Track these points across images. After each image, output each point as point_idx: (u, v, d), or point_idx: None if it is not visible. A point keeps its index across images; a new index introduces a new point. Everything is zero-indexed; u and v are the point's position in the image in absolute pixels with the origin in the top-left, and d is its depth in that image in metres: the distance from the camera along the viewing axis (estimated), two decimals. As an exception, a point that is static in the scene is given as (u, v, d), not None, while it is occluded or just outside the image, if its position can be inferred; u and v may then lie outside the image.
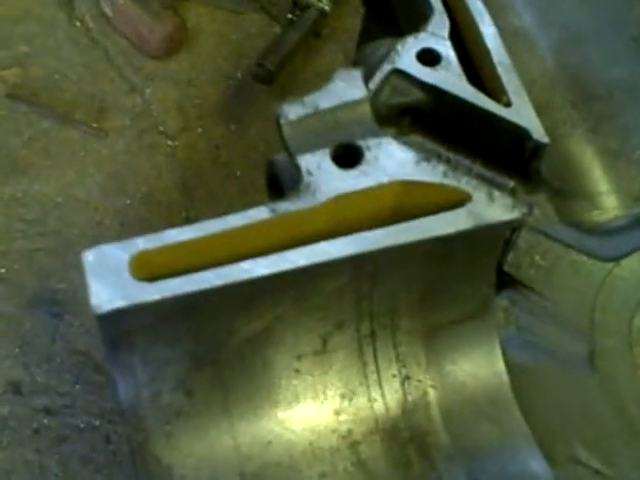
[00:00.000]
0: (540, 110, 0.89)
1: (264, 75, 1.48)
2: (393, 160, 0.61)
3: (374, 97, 0.75)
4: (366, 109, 0.64)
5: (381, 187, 0.60)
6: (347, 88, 0.64)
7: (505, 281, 0.77)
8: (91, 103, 1.49)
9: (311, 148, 0.62)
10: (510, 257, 0.77)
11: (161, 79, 1.54)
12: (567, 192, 0.83)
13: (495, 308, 0.74)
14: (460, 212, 0.59)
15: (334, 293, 0.64)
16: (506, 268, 0.77)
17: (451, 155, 0.79)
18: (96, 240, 1.34)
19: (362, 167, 0.61)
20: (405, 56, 0.77)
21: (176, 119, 1.51)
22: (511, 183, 0.80)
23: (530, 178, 0.79)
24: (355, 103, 0.63)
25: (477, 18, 0.80)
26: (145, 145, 1.49)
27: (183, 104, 1.53)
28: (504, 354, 0.71)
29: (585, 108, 0.89)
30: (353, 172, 0.60)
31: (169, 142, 1.48)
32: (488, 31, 0.80)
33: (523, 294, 0.76)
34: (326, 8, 1.53)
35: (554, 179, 0.84)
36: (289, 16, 1.57)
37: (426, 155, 0.62)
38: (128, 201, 1.43)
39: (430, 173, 0.61)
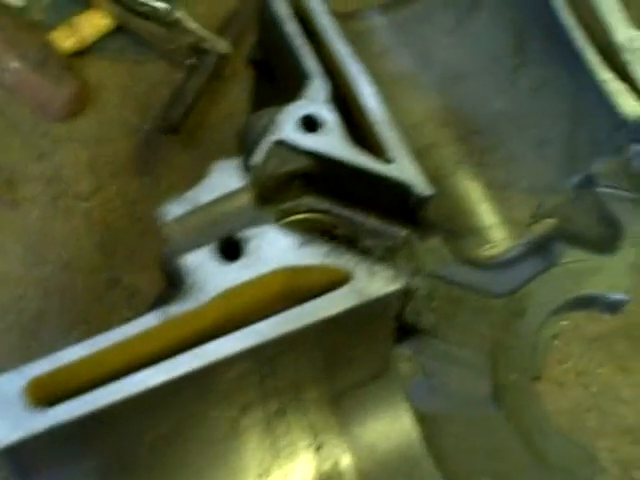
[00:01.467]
0: (428, 151, 0.93)
1: (169, 127, 1.48)
2: (275, 248, 0.63)
3: (260, 170, 0.77)
4: (246, 198, 0.65)
5: (265, 276, 0.62)
6: (225, 179, 0.65)
7: (407, 330, 0.80)
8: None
9: (194, 245, 0.63)
10: (409, 306, 0.80)
11: (69, 141, 1.53)
12: (459, 231, 0.86)
13: (400, 361, 0.77)
14: (344, 291, 0.61)
15: (236, 379, 0.65)
16: (406, 318, 0.79)
17: (345, 214, 0.82)
18: (20, 314, 1.36)
19: (244, 259, 0.62)
20: (286, 125, 0.79)
21: (89, 180, 1.50)
22: (404, 232, 0.83)
23: (421, 225, 0.82)
24: (234, 194, 0.65)
25: (354, 79, 0.82)
26: (60, 210, 1.48)
27: (94, 164, 1.52)
28: (412, 406, 0.74)
29: (470, 143, 0.93)
30: (236, 265, 0.62)
31: (84, 204, 1.47)
32: (365, 91, 0.82)
33: (426, 341, 0.79)
34: (225, 51, 1.54)
35: (445, 220, 0.87)
36: (189, 62, 1.58)
37: (307, 238, 0.64)
38: (49, 269, 1.42)
39: (312, 256, 0.63)
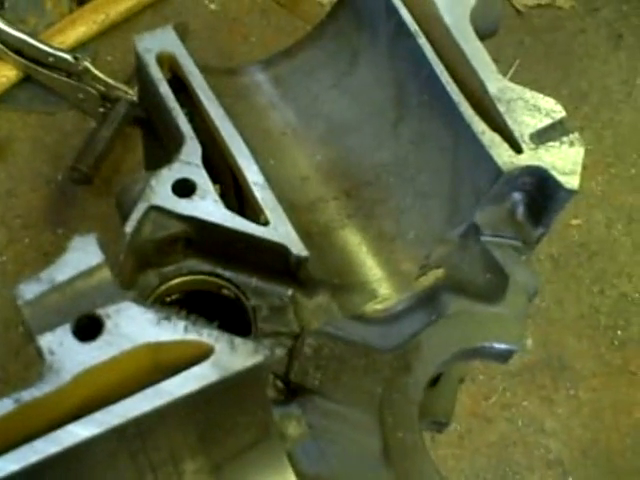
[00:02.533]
0: (317, 205, 0.93)
1: (81, 177, 1.46)
2: (134, 324, 0.61)
3: (135, 236, 0.76)
4: (105, 274, 0.64)
5: (127, 354, 0.61)
6: (82, 256, 0.64)
7: (294, 390, 0.79)
8: None
9: (53, 325, 0.62)
10: (295, 366, 0.79)
11: (-21, 195, 1.51)
12: (347, 286, 0.86)
13: (288, 422, 0.76)
14: (205, 365, 0.60)
15: (105, 459, 0.64)
16: (292, 377, 0.79)
17: (228, 275, 0.81)
18: None
19: (104, 337, 0.61)
20: (161, 190, 0.78)
21: (1, 233, 1.48)
22: (289, 291, 0.83)
23: (305, 284, 0.82)
24: (92, 270, 0.64)
25: (228, 140, 0.82)
26: (-28, 266, 1.45)
27: (6, 216, 1.50)
28: (298, 470, 0.73)
29: (358, 196, 0.93)
30: (96, 344, 0.61)
31: (-5, 259, 1.45)
32: (241, 152, 0.82)
33: (313, 400, 0.78)
34: (135, 98, 1.53)
35: (334, 275, 0.87)
36: (101, 110, 1.57)
37: (167, 313, 0.63)
38: (-38, 329, 1.39)
39: (172, 331, 0.62)
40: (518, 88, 0.87)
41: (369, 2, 0.93)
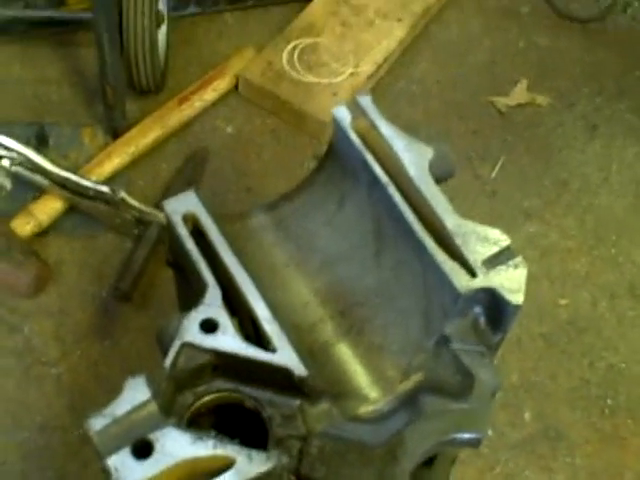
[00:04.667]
0: (316, 326, 1.13)
1: (122, 295, 1.70)
2: (176, 445, 0.82)
3: (173, 368, 0.97)
4: (152, 407, 0.85)
5: (171, 468, 0.81)
6: (135, 394, 0.85)
7: (305, 482, 0.98)
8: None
9: (116, 448, 0.82)
10: (305, 462, 0.99)
11: (36, 314, 1.74)
12: (344, 393, 1.06)
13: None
14: (229, 474, 0.80)
15: None
16: (302, 472, 0.98)
17: (247, 391, 1.01)
18: (4, 478, 1.52)
19: (155, 456, 0.81)
20: (191, 328, 0.99)
21: (56, 347, 1.70)
22: (297, 402, 1.02)
23: (309, 395, 1.02)
24: (142, 404, 0.84)
25: (242, 286, 1.03)
26: (32, 378, 1.67)
27: (60, 332, 1.73)
28: None
29: (351, 315, 1.13)
30: (148, 462, 0.81)
31: (53, 370, 1.67)
32: (251, 293, 1.03)
33: (320, 490, 0.97)
34: (165, 222, 1.76)
35: (333, 384, 1.07)
36: (136, 232, 1.81)
37: (200, 434, 0.83)
38: (26, 434, 1.60)
39: (204, 448, 0.82)
40: (471, 223, 1.07)
41: (349, 157, 1.15)
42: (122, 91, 1.87)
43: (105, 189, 1.75)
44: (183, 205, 1.11)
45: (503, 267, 1.05)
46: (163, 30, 2.04)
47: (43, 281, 1.73)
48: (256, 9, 2.26)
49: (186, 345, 0.98)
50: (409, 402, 1.05)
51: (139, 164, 1.95)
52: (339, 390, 1.06)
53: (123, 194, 1.76)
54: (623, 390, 1.76)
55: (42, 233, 1.80)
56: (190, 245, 1.07)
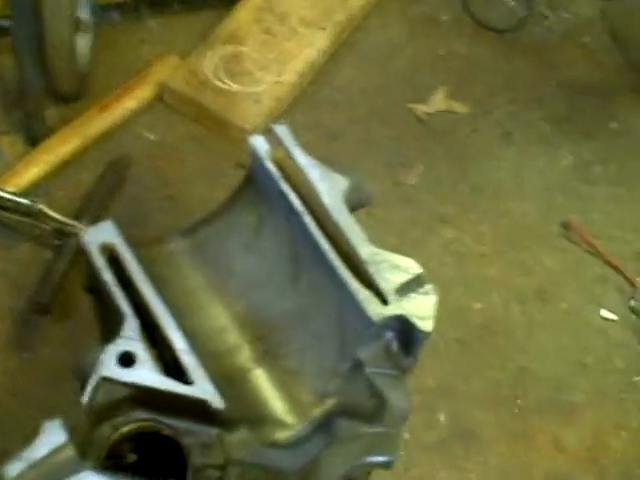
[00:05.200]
0: (233, 351, 1.16)
1: (41, 307, 1.68)
2: (92, 488, 0.84)
3: (91, 402, 0.99)
4: (69, 450, 0.87)
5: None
6: (51, 437, 0.86)
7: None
8: None
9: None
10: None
11: (-49, 328, 1.71)
12: (261, 419, 1.09)
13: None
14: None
15: None
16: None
17: (166, 421, 1.04)
18: None
19: (71, 500, 0.83)
20: (108, 363, 1.01)
21: (-28, 361, 1.68)
22: (215, 431, 1.05)
23: (227, 424, 1.05)
24: (59, 448, 0.86)
25: (158, 317, 1.05)
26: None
27: (-25, 346, 1.70)
28: None
29: (267, 339, 1.16)
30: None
31: (-36, 384, 1.65)
32: (168, 324, 1.05)
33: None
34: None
35: (249, 410, 1.10)
36: (56, 242, 1.79)
37: (117, 477, 0.85)
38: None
39: (122, 489, 0.84)
40: (383, 252, 1.11)
41: (266, 185, 1.18)
42: (41, 99, 1.85)
43: (23, 200, 1.73)
44: (100, 235, 1.12)
45: (414, 295, 1.10)
46: (86, 37, 2.01)
47: (-41, 294, 1.70)
48: (180, 15, 2.25)
49: (104, 380, 1.00)
50: (324, 426, 1.09)
51: (59, 174, 1.92)
52: (256, 416, 1.10)
53: (42, 205, 1.73)
54: (532, 390, 1.84)
55: (-43, 244, 1.78)
56: (107, 276, 1.08)
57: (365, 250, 1.11)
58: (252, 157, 1.18)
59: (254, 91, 2.07)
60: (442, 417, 1.78)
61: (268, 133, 1.22)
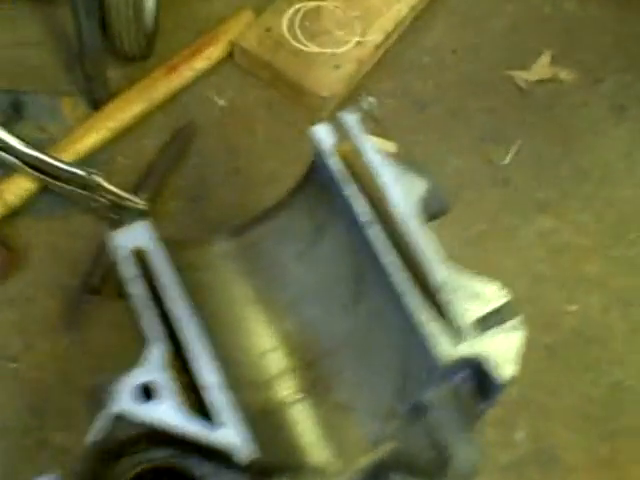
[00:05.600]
0: (274, 380, 1.00)
1: (92, 289, 1.57)
2: None
3: (100, 440, 0.85)
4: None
5: None
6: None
7: None
8: None
9: None
10: None
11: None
12: (299, 465, 0.93)
13: None
14: None
15: None
16: None
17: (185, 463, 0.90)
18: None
19: None
20: (123, 396, 0.87)
21: (17, 340, 1.58)
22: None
23: (258, 472, 0.90)
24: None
25: (189, 344, 0.89)
26: (-10, 373, 1.57)
27: (24, 323, 1.61)
28: None
29: (318, 366, 1.00)
30: None
31: (11, 364, 1.56)
32: (200, 354, 0.90)
33: None
34: (143, 208, 1.63)
35: (287, 454, 0.94)
36: (113, 216, 1.67)
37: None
38: (-19, 433, 1.51)
39: None
40: (462, 277, 0.92)
41: (330, 185, 1.00)
42: (102, 60, 1.71)
43: (80, 172, 1.61)
44: (133, 238, 0.97)
45: (495, 331, 0.91)
46: (152, -11, 1.85)
47: (8, 268, 1.61)
48: (257, -35, 2.06)
49: (118, 416, 0.86)
50: (373, 478, 0.93)
51: (121, 139, 1.78)
52: (294, 462, 0.94)
53: (99, 178, 1.61)
54: (628, 411, 1.62)
55: (11, 215, 1.67)
56: (136, 289, 0.93)
57: (440, 272, 0.92)
58: (314, 151, 1.01)
59: (334, 53, 1.87)
60: (521, 434, 1.59)
61: (335, 122, 1.03)
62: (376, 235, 0.94)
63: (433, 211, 0.98)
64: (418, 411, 0.94)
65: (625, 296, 1.74)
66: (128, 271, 0.94)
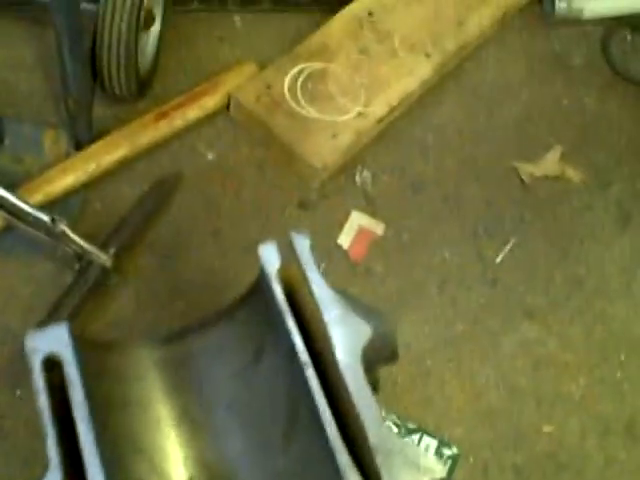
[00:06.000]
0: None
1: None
2: None
3: None
4: None
5: None
6: None
7: None
8: None
9: None
10: None
11: (-56, 347, 1.54)
12: None
13: None
14: None
15: None
16: None
17: None
18: None
19: None
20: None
21: (-44, 391, 1.51)
22: None
23: None
24: None
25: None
26: None
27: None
28: None
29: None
30: None
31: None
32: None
33: None
34: (107, 265, 1.54)
35: None
36: (77, 267, 1.59)
37: None
38: None
39: None
40: (400, 441, 0.84)
41: (272, 309, 0.91)
42: (87, 102, 1.63)
43: (45, 218, 1.53)
44: (47, 343, 0.88)
45: (429, 509, 0.81)
46: (154, 30, 1.77)
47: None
48: (269, 15, 1.98)
49: None
50: None
51: (99, 183, 1.70)
52: None
53: (64, 226, 1.53)
54: None
55: (-30, 253, 1.60)
56: (43, 402, 0.84)
57: (376, 433, 0.83)
58: (261, 271, 0.92)
59: (334, 121, 1.78)
60: None
61: (285, 244, 0.94)
62: (311, 379, 0.85)
63: (381, 357, 0.89)
64: None
65: (605, 423, 1.63)
66: (38, 381, 0.85)
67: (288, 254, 0.95)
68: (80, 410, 0.83)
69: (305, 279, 0.87)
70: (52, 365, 0.87)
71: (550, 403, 1.63)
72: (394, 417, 1.35)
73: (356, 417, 0.83)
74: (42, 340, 0.87)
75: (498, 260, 1.76)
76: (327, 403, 0.83)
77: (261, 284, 0.94)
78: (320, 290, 0.88)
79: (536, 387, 1.64)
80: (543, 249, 1.79)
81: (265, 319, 0.94)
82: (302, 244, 0.90)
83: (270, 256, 0.91)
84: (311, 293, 0.87)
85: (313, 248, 0.90)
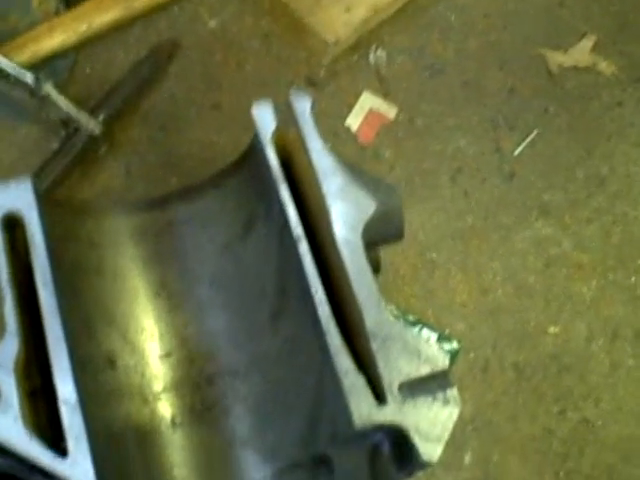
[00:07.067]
0: (158, 396, 0.83)
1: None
2: None
3: None
4: None
5: None
6: None
7: None
8: None
9: None
10: None
11: None
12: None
13: None
14: None
15: None
16: None
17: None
18: None
19: None
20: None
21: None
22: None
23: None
24: None
25: (51, 346, 0.72)
26: None
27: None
28: None
29: (220, 385, 0.83)
30: None
31: None
32: (61, 362, 0.72)
33: None
34: (95, 132, 1.43)
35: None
36: (63, 133, 1.48)
37: None
38: None
39: None
40: (400, 326, 0.74)
41: (266, 177, 0.80)
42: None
43: (28, 78, 1.41)
44: (9, 198, 0.78)
45: (427, 399, 0.73)
46: None
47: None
48: None
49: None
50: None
51: (90, 47, 1.56)
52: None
53: (49, 87, 1.41)
54: (591, 452, 1.46)
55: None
56: (0, 262, 0.75)
57: (374, 316, 0.74)
58: (255, 135, 0.81)
59: (349, -7, 1.63)
60: (468, 458, 1.44)
61: (283, 104, 0.83)
62: (306, 254, 0.75)
63: (384, 235, 0.79)
64: (324, 464, 0.77)
65: (614, 328, 1.55)
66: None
67: (287, 118, 0.84)
68: (42, 273, 0.74)
69: (303, 145, 0.77)
70: (14, 225, 0.78)
71: (559, 304, 1.55)
72: (393, 308, 1.29)
73: (352, 298, 0.74)
74: (2, 195, 0.78)
75: (517, 153, 1.64)
76: (321, 283, 0.74)
77: (254, 149, 0.84)
78: (320, 157, 0.76)
79: (545, 287, 1.55)
80: (566, 144, 1.67)
81: (257, 189, 0.84)
82: (302, 105, 0.79)
83: (265, 116, 0.80)
84: (309, 160, 0.76)
85: (314, 108, 0.80)
